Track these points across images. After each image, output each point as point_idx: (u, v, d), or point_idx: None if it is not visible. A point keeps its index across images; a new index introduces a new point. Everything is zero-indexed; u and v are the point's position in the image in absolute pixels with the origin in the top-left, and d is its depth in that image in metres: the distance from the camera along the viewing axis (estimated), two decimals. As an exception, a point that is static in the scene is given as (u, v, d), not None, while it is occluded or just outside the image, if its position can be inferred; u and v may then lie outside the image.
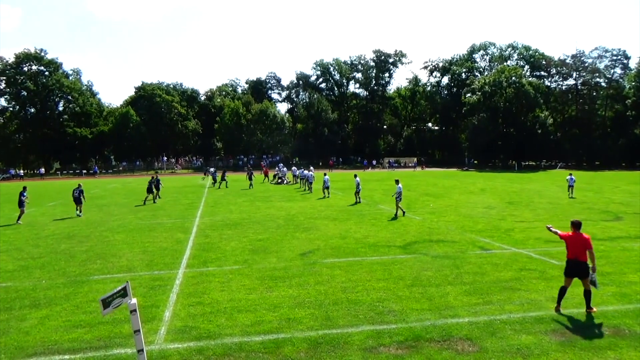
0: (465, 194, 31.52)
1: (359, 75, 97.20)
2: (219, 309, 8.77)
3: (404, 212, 20.92)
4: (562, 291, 8.48)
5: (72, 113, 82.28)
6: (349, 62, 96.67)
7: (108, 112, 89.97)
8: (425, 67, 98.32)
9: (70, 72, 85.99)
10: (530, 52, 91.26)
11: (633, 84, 79.58)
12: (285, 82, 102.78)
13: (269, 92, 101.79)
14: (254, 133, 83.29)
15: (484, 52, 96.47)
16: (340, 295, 9.44)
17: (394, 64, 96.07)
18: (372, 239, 15.33)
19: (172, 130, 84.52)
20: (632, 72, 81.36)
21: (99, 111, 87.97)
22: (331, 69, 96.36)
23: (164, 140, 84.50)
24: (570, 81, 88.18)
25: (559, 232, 8.90)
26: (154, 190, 28.88)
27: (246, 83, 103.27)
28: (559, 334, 7.43)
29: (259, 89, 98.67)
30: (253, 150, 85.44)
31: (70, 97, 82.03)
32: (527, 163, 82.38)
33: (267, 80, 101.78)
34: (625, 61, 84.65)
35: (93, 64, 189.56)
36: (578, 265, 8.26)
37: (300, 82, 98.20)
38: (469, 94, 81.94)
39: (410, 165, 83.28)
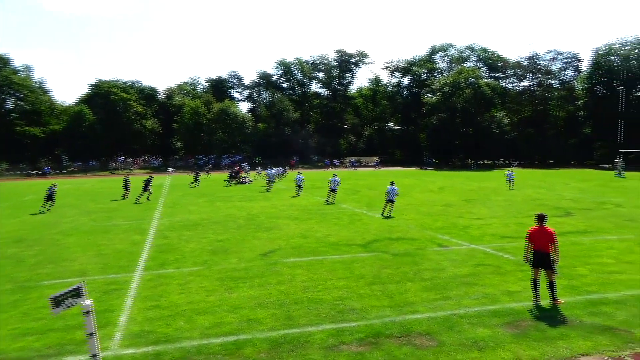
0: (424, 192, 32.13)
1: (321, 74, 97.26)
2: (177, 311, 8.58)
3: (383, 212, 20.68)
4: (534, 283, 8.79)
5: (22, 111, 78.42)
6: (311, 61, 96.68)
7: (61, 110, 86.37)
8: (386, 68, 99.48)
9: (21, 69, 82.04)
10: (488, 54, 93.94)
11: (584, 85, 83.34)
12: (246, 81, 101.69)
13: (230, 91, 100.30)
14: (214, 132, 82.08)
15: (444, 54, 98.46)
16: (301, 295, 9.42)
17: (356, 64, 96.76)
18: (334, 238, 15.38)
19: (129, 129, 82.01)
20: (583, 74, 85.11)
21: (51, 109, 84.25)
22: (293, 68, 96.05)
23: (120, 139, 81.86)
24: (525, 82, 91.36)
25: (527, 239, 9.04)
26: (149, 188, 29.20)
27: (207, 82, 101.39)
28: (513, 327, 7.67)
29: (219, 87, 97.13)
30: (214, 150, 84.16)
31: (20, 95, 78.26)
32: (484, 162, 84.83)
33: (229, 79, 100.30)
34: (576, 64, 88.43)
35: (46, 61, 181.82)
36: (542, 257, 8.63)
37: (262, 81, 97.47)
38: (428, 94, 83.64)
39: (370, 164, 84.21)
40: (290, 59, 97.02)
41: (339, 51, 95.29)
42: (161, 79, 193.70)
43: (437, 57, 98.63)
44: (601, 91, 79.54)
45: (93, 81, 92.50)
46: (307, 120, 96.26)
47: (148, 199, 28.81)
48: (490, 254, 12.90)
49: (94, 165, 78.88)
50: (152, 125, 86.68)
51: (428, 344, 7.04)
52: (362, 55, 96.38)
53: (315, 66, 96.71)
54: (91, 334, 5.65)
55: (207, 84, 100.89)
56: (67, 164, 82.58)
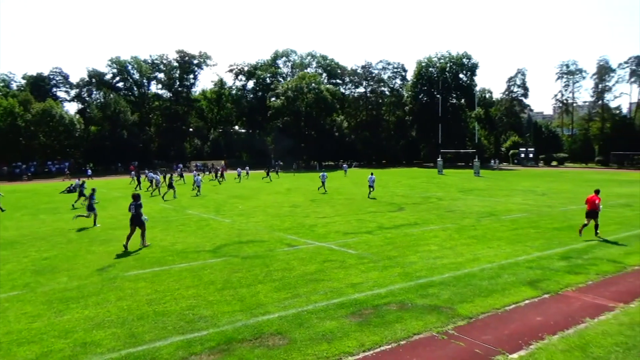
0: (272, 194, 32.68)
1: (161, 75, 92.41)
2: (-10, 346, 7.28)
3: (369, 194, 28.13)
4: (584, 226, 14.80)
5: None
6: (149, 61, 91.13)
7: None
8: (231, 71, 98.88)
9: None
10: (327, 61, 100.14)
11: (410, 93, 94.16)
12: (74, 80, 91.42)
13: (54, 89, 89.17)
14: (35, 136, 72.16)
15: (287, 59, 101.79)
16: (145, 309, 8.77)
17: (199, 66, 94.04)
18: (180, 246, 14.70)
19: None
20: (409, 83, 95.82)
21: None
22: (129, 67, 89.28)
23: None
24: (361, 89, 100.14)
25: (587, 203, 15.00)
26: (173, 185, 30.32)
27: (23, 78, 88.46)
28: (357, 316, 8.20)
29: (40, 85, 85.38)
30: (35, 156, 73.93)
31: None
32: (327, 163, 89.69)
33: (51, 77, 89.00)
34: (403, 73, 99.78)
35: None
36: (592, 212, 14.55)
37: (93, 80, 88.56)
38: (273, 98, 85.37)
39: (217, 168, 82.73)
40: (126, 57, 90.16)
41: (180, 51, 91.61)
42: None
43: (280, 62, 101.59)
44: (424, 99, 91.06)
45: None
46: (147, 123, 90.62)
47: (175, 196, 29.46)
48: (335, 250, 13.64)
49: None
50: (-49, 128, 72.68)
51: (280, 343, 7.13)
52: (205, 57, 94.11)
53: (154, 66, 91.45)
54: None
55: (23, 81, 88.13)
56: None
